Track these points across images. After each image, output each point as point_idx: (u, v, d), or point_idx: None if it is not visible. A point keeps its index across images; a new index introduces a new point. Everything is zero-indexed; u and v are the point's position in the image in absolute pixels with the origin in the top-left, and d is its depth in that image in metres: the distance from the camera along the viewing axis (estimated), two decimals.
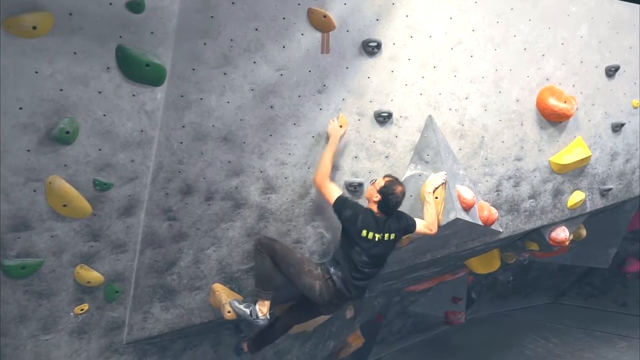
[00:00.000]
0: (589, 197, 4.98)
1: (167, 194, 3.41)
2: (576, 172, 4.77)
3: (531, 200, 4.67)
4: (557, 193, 4.77)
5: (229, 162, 3.48)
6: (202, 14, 3.09)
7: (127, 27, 2.87)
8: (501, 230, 4.50)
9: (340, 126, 3.62)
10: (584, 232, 5.75)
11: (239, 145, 3.46)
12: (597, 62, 4.52)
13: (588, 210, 5.04)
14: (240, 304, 3.68)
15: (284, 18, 3.30)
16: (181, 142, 3.30)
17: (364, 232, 3.50)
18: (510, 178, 4.48)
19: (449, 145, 4.06)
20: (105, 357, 3.75)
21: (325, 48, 3.48)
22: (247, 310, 3.65)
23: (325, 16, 3.39)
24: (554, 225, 5.04)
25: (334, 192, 3.54)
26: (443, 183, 3.84)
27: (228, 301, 3.71)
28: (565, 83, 4.41)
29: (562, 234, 5.10)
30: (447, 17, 3.82)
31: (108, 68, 2.91)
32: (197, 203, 3.51)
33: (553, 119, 4.43)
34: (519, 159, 4.45)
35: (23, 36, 2.66)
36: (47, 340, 3.47)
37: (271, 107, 3.46)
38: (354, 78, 3.65)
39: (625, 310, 9.47)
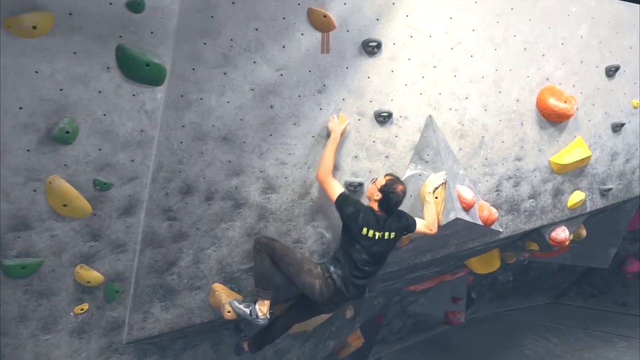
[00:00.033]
0: (589, 197, 4.98)
1: (167, 193, 3.41)
2: (576, 172, 4.77)
3: (531, 200, 4.67)
4: (557, 193, 4.77)
5: (229, 162, 3.48)
6: (202, 14, 3.09)
7: (127, 26, 2.87)
8: (501, 230, 4.50)
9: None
10: (584, 232, 5.75)
11: (239, 145, 3.46)
12: (597, 62, 4.52)
13: (588, 210, 5.04)
14: (240, 303, 3.68)
15: (284, 18, 3.30)
16: (181, 142, 3.30)
17: (365, 230, 3.50)
18: (510, 178, 4.48)
19: (449, 145, 4.06)
20: (105, 356, 3.75)
21: (325, 48, 3.48)
22: (247, 310, 3.65)
23: (325, 16, 3.39)
24: (554, 225, 5.04)
25: (336, 188, 3.55)
26: (443, 183, 3.84)
27: (228, 301, 3.71)
28: (565, 83, 4.41)
29: (562, 234, 5.10)
30: (447, 17, 3.82)
31: (108, 68, 2.92)
32: (197, 203, 3.51)
33: (553, 119, 4.43)
34: (519, 159, 4.45)
35: (23, 36, 2.66)
36: (47, 340, 3.47)
37: (271, 107, 3.46)
38: (354, 78, 3.65)
39: (625, 310, 9.47)
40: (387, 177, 3.58)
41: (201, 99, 3.25)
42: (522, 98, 4.29)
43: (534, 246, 5.60)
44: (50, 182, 2.99)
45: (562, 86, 4.39)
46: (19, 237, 3.07)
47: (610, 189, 5.02)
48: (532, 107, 4.36)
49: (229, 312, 3.67)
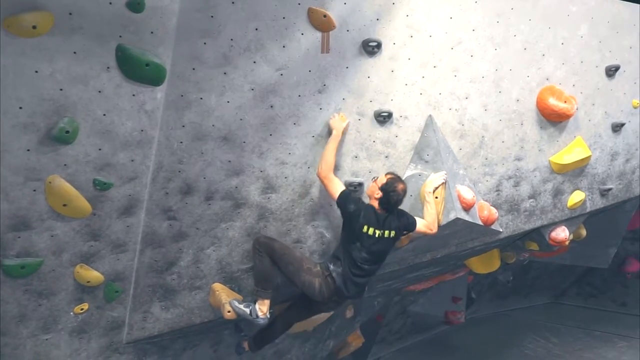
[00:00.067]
0: (589, 197, 4.98)
1: (167, 193, 3.41)
2: (576, 172, 4.77)
3: (531, 200, 4.67)
4: (557, 193, 4.77)
5: (229, 161, 3.48)
6: (202, 14, 3.09)
7: (127, 26, 2.87)
8: (501, 230, 4.50)
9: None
10: (583, 232, 5.75)
11: (239, 144, 3.46)
12: (597, 61, 4.52)
13: (588, 210, 5.04)
14: (240, 303, 3.69)
15: (284, 18, 3.30)
16: (181, 142, 3.30)
17: (365, 228, 3.51)
18: (510, 178, 4.48)
19: (449, 145, 4.06)
20: (105, 356, 3.75)
21: (325, 48, 3.48)
22: (247, 310, 3.65)
23: (325, 16, 3.39)
24: (554, 225, 5.04)
25: (337, 186, 3.56)
26: (443, 183, 3.84)
27: (228, 301, 3.71)
28: (565, 83, 4.41)
29: (562, 233, 5.11)
30: (448, 16, 3.82)
31: (108, 67, 2.91)
32: (197, 203, 3.51)
33: (553, 119, 4.43)
34: (519, 159, 4.45)
35: (23, 36, 2.66)
36: (47, 339, 3.47)
37: (271, 106, 3.46)
38: (354, 78, 3.65)
39: (625, 310, 9.47)
40: (388, 176, 3.59)
41: (201, 98, 3.25)
42: (522, 98, 4.29)
43: (534, 246, 5.60)
44: (50, 182, 2.99)
45: (562, 86, 4.39)
46: (19, 237, 3.07)
47: (610, 189, 5.02)
48: (532, 107, 4.36)
49: (228, 311, 3.67)
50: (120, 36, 2.87)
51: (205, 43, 3.14)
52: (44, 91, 2.80)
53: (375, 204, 3.58)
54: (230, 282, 3.88)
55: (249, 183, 3.60)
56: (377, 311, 7.15)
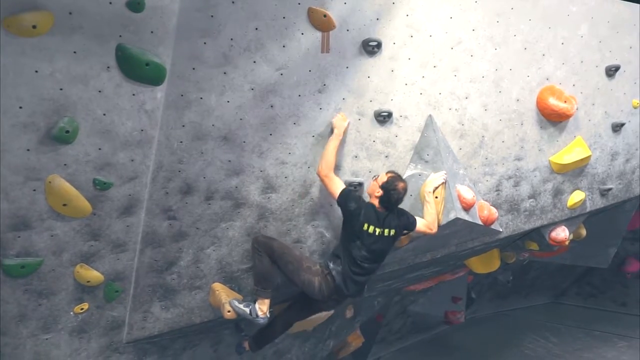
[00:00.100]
0: (589, 197, 4.98)
1: (167, 193, 3.41)
2: (576, 171, 4.77)
3: (531, 199, 4.67)
4: (557, 193, 4.77)
5: (229, 161, 3.48)
6: (202, 13, 3.09)
7: (127, 26, 2.86)
8: (501, 230, 4.50)
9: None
10: (583, 232, 5.75)
11: (239, 144, 3.46)
12: (597, 61, 4.52)
13: (588, 210, 5.04)
14: (240, 303, 3.69)
15: (284, 17, 3.30)
16: (181, 142, 3.30)
17: (366, 226, 3.52)
18: (510, 178, 4.48)
19: (449, 145, 4.05)
20: (105, 356, 3.75)
21: (325, 47, 3.48)
22: (247, 310, 3.65)
23: (325, 15, 3.39)
24: (553, 225, 5.04)
25: (338, 185, 3.56)
26: (443, 182, 3.84)
27: (228, 300, 3.71)
28: (565, 83, 4.41)
29: (562, 233, 5.11)
30: (448, 16, 3.82)
31: (108, 67, 2.91)
32: (197, 202, 3.51)
33: (553, 119, 4.43)
34: (519, 159, 4.45)
35: (23, 35, 2.66)
36: (47, 339, 3.47)
37: (271, 106, 3.46)
38: (354, 77, 3.65)
39: (625, 310, 9.47)
40: (389, 174, 3.60)
41: (201, 98, 3.25)
42: (522, 98, 4.29)
43: (534, 246, 5.60)
44: (50, 182, 2.99)
45: (562, 86, 4.39)
46: (19, 237, 3.07)
47: (610, 189, 5.02)
48: (532, 107, 4.36)
49: (228, 311, 3.68)
50: (120, 36, 2.87)
51: (205, 43, 3.14)
52: (44, 91, 2.80)
53: (376, 202, 3.58)
54: (230, 281, 3.88)
55: (249, 183, 3.60)
56: (377, 311, 7.15)
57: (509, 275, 8.41)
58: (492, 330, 9.13)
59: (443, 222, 3.87)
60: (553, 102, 4.33)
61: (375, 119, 3.80)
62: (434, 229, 3.82)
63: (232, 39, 3.20)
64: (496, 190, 4.45)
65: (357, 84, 3.67)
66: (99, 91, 2.94)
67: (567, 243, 5.26)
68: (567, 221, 5.10)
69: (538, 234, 5.19)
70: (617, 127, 4.80)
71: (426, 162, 3.97)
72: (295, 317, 4.21)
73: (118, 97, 3.00)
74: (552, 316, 9.66)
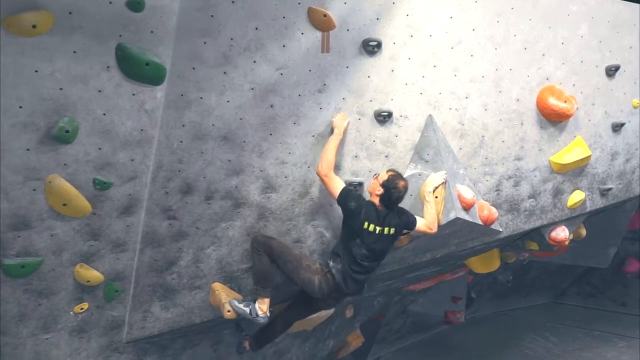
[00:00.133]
0: (589, 197, 4.98)
1: (167, 193, 3.41)
2: (576, 171, 4.77)
3: (531, 199, 4.67)
4: (557, 192, 4.77)
5: (229, 161, 3.48)
6: (202, 13, 3.08)
7: (127, 25, 2.86)
8: (501, 230, 4.50)
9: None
10: (583, 232, 5.75)
11: (239, 144, 3.46)
12: (598, 61, 4.52)
13: (588, 209, 5.04)
14: (239, 303, 3.69)
15: (284, 17, 3.30)
16: (181, 141, 3.30)
17: (366, 224, 3.52)
18: (510, 177, 4.48)
19: (449, 145, 4.05)
20: (105, 356, 3.75)
21: (325, 47, 3.48)
22: (247, 309, 3.65)
23: (325, 15, 3.39)
24: (553, 224, 5.04)
25: (338, 184, 3.56)
26: (443, 182, 3.84)
27: (228, 300, 3.71)
28: (565, 82, 4.41)
29: (562, 233, 5.11)
30: (448, 16, 3.82)
31: (108, 67, 2.91)
32: (197, 202, 3.51)
33: (553, 119, 4.43)
34: (519, 159, 4.45)
35: (23, 35, 2.66)
36: (46, 339, 3.47)
37: (271, 106, 3.46)
38: (354, 77, 3.65)
39: (625, 310, 9.47)
40: (389, 173, 3.61)
41: (201, 98, 3.25)
42: (522, 97, 4.29)
43: (534, 246, 5.60)
44: (50, 181, 2.99)
45: (562, 86, 4.39)
46: (19, 236, 3.07)
47: (610, 189, 5.02)
48: (532, 107, 4.36)
49: (228, 311, 3.68)
50: (120, 35, 2.87)
51: (205, 42, 3.14)
52: (43, 90, 2.80)
53: (376, 200, 3.59)
54: (230, 281, 3.88)
55: (249, 182, 3.60)
56: (377, 311, 7.15)
57: (509, 275, 8.41)
58: (492, 330, 9.13)
59: (443, 222, 3.87)
60: (553, 102, 4.33)
61: (375, 118, 3.80)
62: (434, 229, 3.82)
63: (232, 39, 3.20)
64: (496, 190, 4.45)
65: (357, 84, 3.67)
66: (99, 91, 2.94)
67: (567, 243, 5.26)
68: (567, 221, 5.10)
69: (538, 233, 5.19)
70: (617, 127, 4.80)
71: (426, 161, 3.97)
72: (296, 316, 4.21)
73: (118, 97, 3.00)
74: (552, 316, 9.66)
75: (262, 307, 3.68)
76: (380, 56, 3.67)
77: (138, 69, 2.97)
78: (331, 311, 5.06)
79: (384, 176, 3.59)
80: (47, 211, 3.08)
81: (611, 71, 4.58)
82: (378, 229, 3.55)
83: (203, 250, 3.70)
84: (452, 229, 4.07)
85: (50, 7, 2.67)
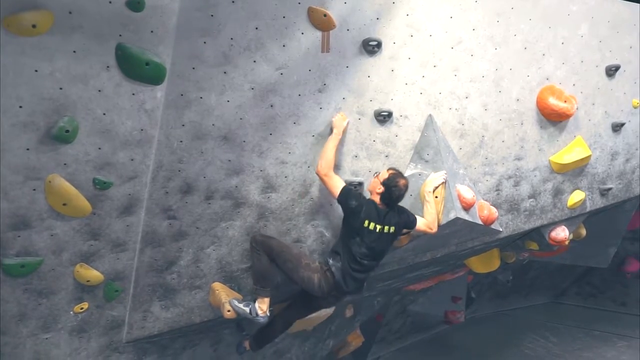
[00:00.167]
0: (589, 197, 4.98)
1: (167, 192, 3.41)
2: (576, 171, 4.77)
3: (531, 199, 4.67)
4: (557, 192, 4.77)
5: (229, 161, 3.48)
6: (202, 13, 3.08)
7: (126, 25, 2.86)
8: (501, 230, 4.50)
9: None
10: (583, 232, 5.75)
11: (239, 144, 3.46)
12: (598, 61, 4.52)
13: (588, 209, 5.04)
14: (239, 302, 3.69)
15: (284, 17, 3.30)
16: (181, 141, 3.30)
17: (366, 223, 3.52)
18: (510, 177, 4.48)
19: (449, 145, 4.05)
20: (105, 355, 3.75)
21: (325, 47, 3.48)
22: (247, 309, 3.65)
23: (325, 15, 3.39)
24: (553, 224, 5.04)
25: (338, 183, 3.56)
26: (443, 182, 3.84)
27: (228, 300, 3.71)
28: (565, 82, 4.41)
29: (562, 233, 5.11)
30: (448, 16, 3.82)
31: (108, 67, 2.91)
32: (197, 202, 3.51)
33: (553, 119, 4.43)
34: (519, 159, 4.45)
35: (23, 35, 2.66)
36: (46, 338, 3.47)
37: (271, 106, 3.46)
38: (354, 77, 3.65)
39: (625, 309, 9.47)
40: (390, 171, 3.61)
41: (201, 97, 3.25)
42: (522, 97, 4.29)
43: (534, 246, 5.60)
44: (50, 181, 2.99)
45: (562, 85, 4.39)
46: (19, 236, 3.07)
47: (610, 189, 5.02)
48: (532, 107, 4.36)
49: (228, 311, 3.68)
50: (120, 35, 2.87)
51: (205, 42, 3.14)
52: (43, 90, 2.80)
53: (377, 199, 3.59)
54: (230, 281, 3.88)
55: (249, 182, 3.60)
56: (376, 310, 7.15)
57: (508, 275, 8.41)
58: (492, 330, 9.13)
59: (443, 221, 3.87)
60: (553, 101, 4.33)
61: (375, 118, 3.80)
62: (434, 229, 3.82)
63: (232, 39, 3.20)
64: (496, 190, 4.45)
65: (357, 84, 3.67)
66: (99, 90, 2.94)
67: (567, 243, 5.26)
68: (567, 221, 5.10)
69: (538, 233, 5.19)
70: (617, 127, 4.80)
71: (426, 161, 3.97)
72: (296, 315, 4.21)
73: (118, 97, 3.00)
74: (552, 316, 9.66)
75: (262, 307, 3.68)
76: (380, 56, 3.67)
77: (138, 69, 2.97)
78: (331, 311, 5.07)
79: (384, 174, 3.60)
80: (47, 211, 3.08)
81: (611, 71, 4.58)
82: (378, 227, 3.55)
83: (203, 250, 3.70)
84: (452, 228, 4.07)
85: (50, 6, 2.67)
